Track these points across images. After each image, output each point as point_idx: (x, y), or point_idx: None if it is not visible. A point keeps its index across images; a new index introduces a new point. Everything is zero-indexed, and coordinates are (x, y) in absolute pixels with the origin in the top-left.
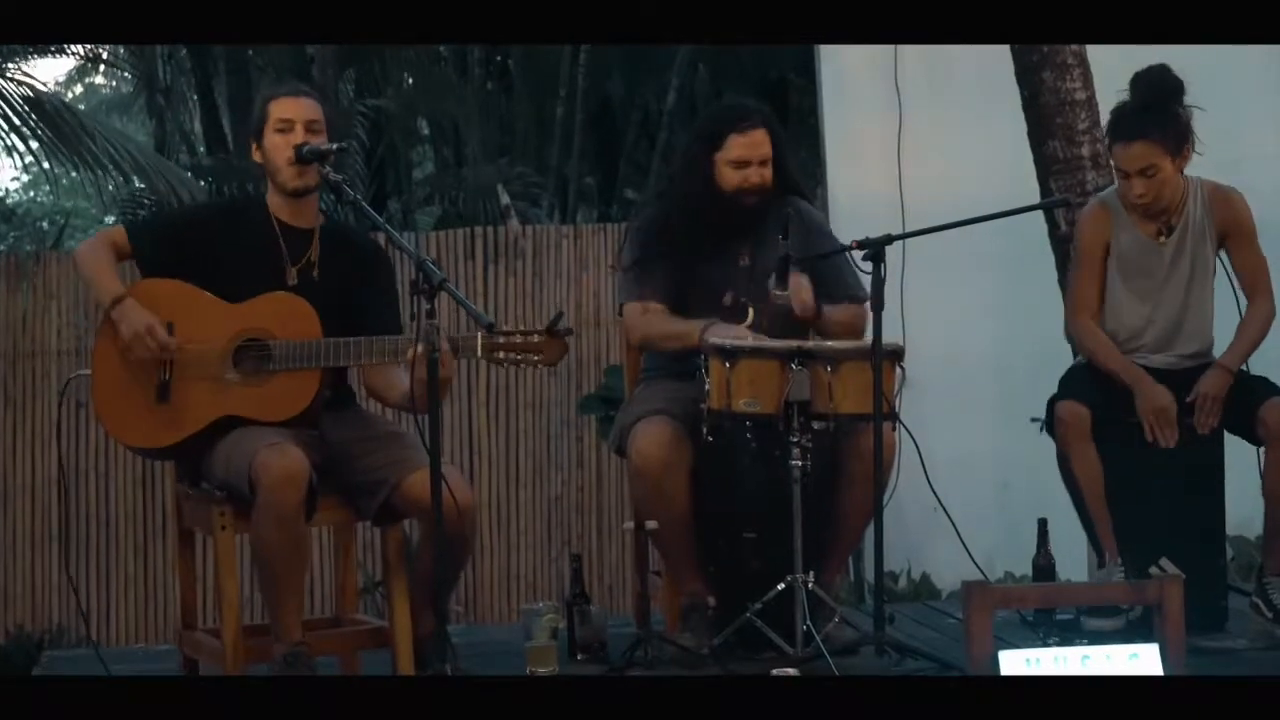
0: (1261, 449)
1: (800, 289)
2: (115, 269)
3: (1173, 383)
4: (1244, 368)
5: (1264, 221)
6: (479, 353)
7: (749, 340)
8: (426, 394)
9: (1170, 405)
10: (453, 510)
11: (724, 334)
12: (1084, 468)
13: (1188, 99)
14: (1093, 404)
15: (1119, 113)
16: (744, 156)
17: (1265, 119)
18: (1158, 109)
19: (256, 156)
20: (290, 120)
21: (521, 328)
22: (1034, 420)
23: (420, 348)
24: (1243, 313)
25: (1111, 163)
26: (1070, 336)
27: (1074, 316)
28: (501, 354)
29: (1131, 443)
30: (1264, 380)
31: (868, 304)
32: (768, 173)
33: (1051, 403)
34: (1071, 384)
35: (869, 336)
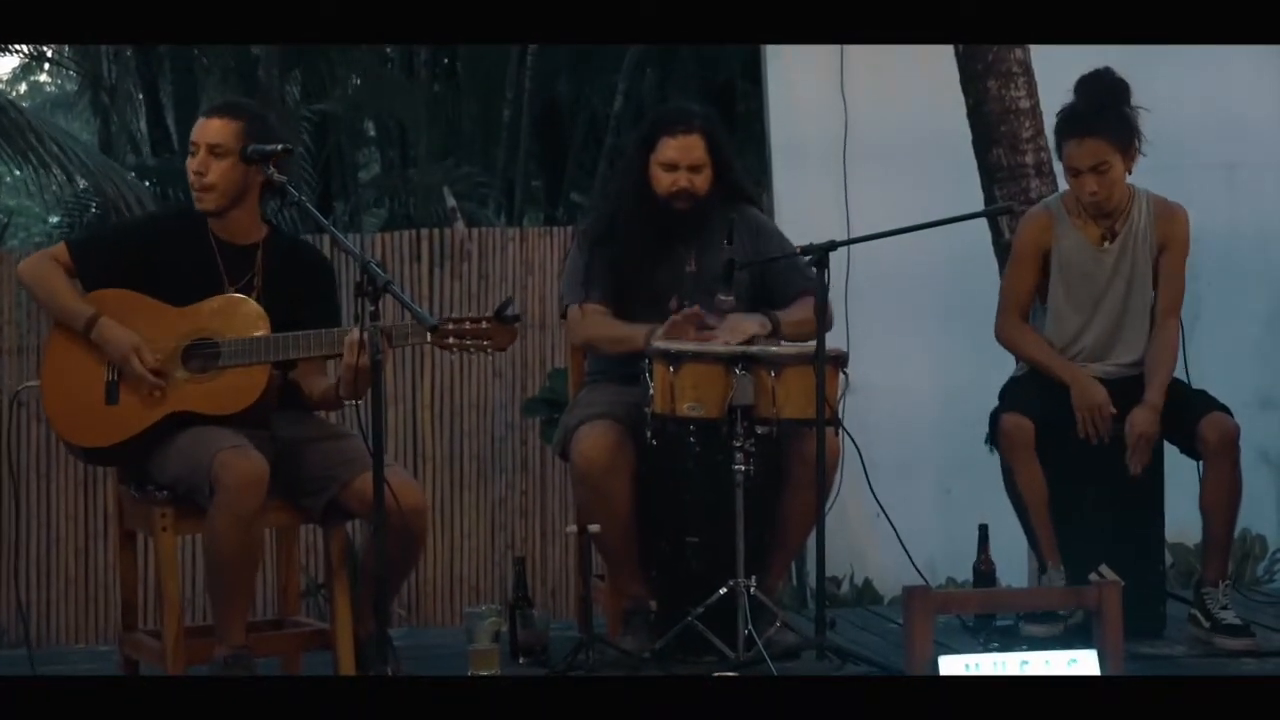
0: (1199, 463)
1: (737, 327)
2: (73, 287)
3: (1109, 391)
4: (1185, 381)
5: (1198, 227)
6: (428, 338)
7: (692, 344)
8: (355, 382)
9: (1105, 401)
10: (398, 511)
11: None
12: (1028, 480)
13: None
14: (1036, 416)
15: (1069, 111)
16: (673, 159)
17: (1207, 125)
18: (1108, 108)
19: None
20: (195, 144)
21: (470, 314)
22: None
23: (355, 333)
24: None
25: (1061, 162)
26: (999, 339)
27: (1004, 315)
28: (451, 340)
29: (1073, 451)
30: (1203, 394)
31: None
32: (699, 179)
33: (994, 416)
34: (1014, 396)
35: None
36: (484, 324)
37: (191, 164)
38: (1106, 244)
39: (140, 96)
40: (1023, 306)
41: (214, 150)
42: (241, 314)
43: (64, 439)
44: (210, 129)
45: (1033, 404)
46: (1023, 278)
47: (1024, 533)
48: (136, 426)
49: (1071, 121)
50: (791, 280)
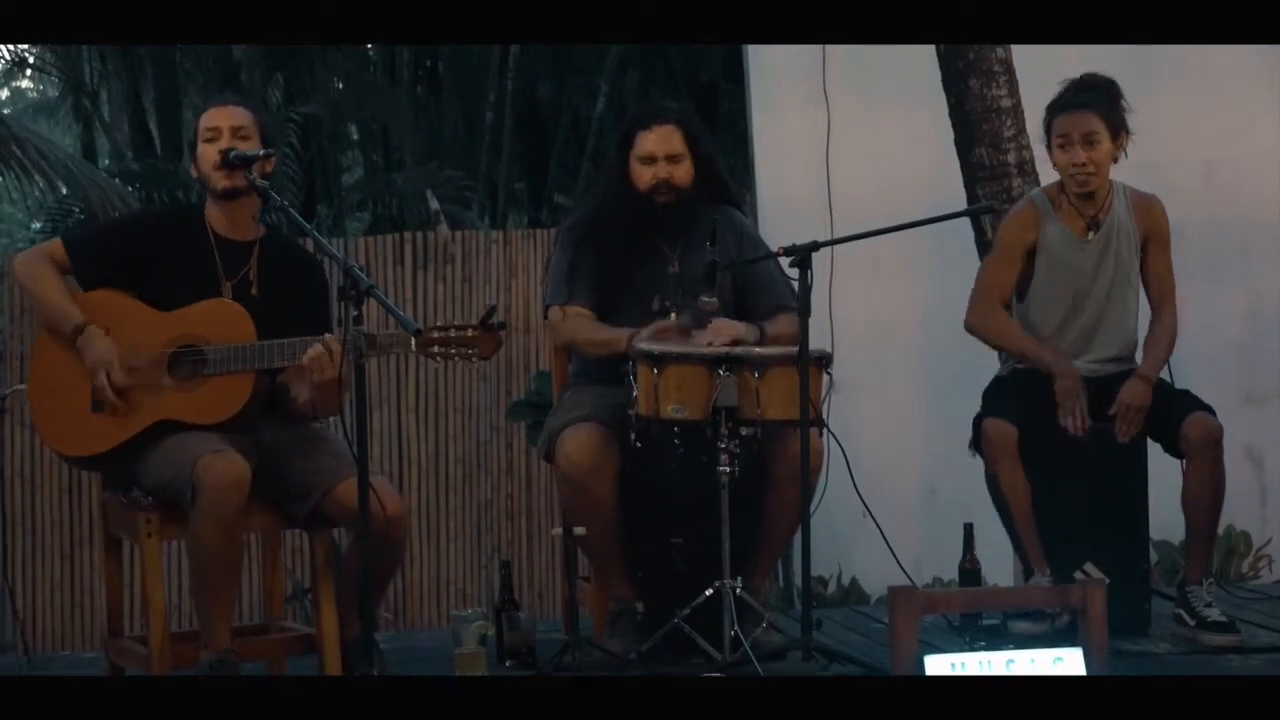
0: (1183, 461)
1: (725, 330)
2: (66, 290)
3: (1093, 389)
4: (1168, 380)
5: (1178, 223)
6: (413, 347)
7: (675, 345)
8: (325, 402)
9: (1077, 382)
10: (381, 518)
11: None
12: (1012, 486)
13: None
14: (1019, 421)
15: (1060, 91)
16: (651, 152)
17: (1186, 121)
18: (1100, 89)
19: (194, 172)
20: (217, 128)
21: (456, 323)
22: (970, 448)
23: (318, 348)
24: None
25: (1049, 142)
26: (972, 327)
27: (981, 303)
28: (436, 349)
29: (1057, 449)
30: (1186, 394)
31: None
32: (679, 170)
33: (977, 421)
34: (997, 400)
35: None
36: (469, 332)
37: (212, 149)
38: (1091, 234)
39: (122, 101)
40: (1003, 294)
41: (238, 132)
42: (229, 319)
43: (50, 446)
44: (230, 113)
45: (1017, 409)
46: (1004, 272)
47: (1009, 538)
48: (121, 436)
49: (1064, 97)
50: (769, 292)
